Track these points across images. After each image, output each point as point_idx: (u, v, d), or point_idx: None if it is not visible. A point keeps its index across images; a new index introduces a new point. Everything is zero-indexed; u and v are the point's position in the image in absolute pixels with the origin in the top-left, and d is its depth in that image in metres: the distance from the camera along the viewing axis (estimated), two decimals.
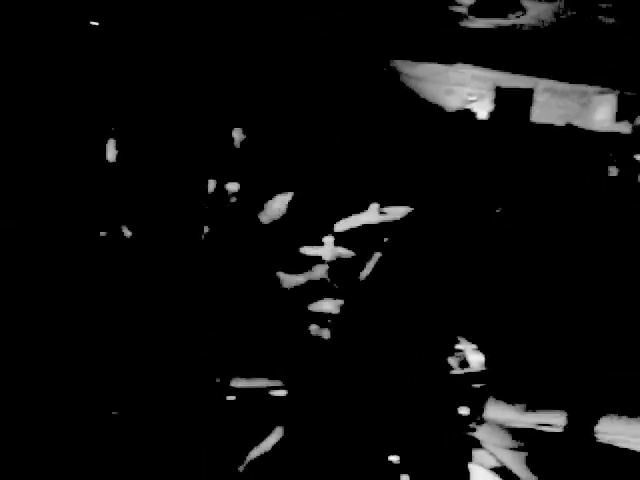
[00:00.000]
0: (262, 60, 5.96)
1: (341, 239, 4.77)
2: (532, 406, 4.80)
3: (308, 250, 4.61)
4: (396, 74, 6.70)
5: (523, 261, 5.83)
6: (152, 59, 5.88)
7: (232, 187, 4.68)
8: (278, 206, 4.36)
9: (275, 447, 3.63)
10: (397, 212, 4.71)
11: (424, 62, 6.83)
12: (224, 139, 5.12)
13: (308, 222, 4.91)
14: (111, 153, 4.90)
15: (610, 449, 4.24)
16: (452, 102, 6.92)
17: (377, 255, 4.25)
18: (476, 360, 4.22)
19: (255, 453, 3.62)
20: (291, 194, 4.37)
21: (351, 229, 4.83)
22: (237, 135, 5.01)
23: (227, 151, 4.96)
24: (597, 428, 4.29)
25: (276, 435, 3.67)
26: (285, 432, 3.68)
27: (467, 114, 6.78)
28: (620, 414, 4.48)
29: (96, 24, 5.46)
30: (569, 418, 4.22)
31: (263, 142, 5.08)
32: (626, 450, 4.28)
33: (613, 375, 4.11)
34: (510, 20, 5.99)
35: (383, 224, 4.68)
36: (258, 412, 3.95)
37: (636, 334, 4.59)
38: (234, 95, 5.67)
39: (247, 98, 5.56)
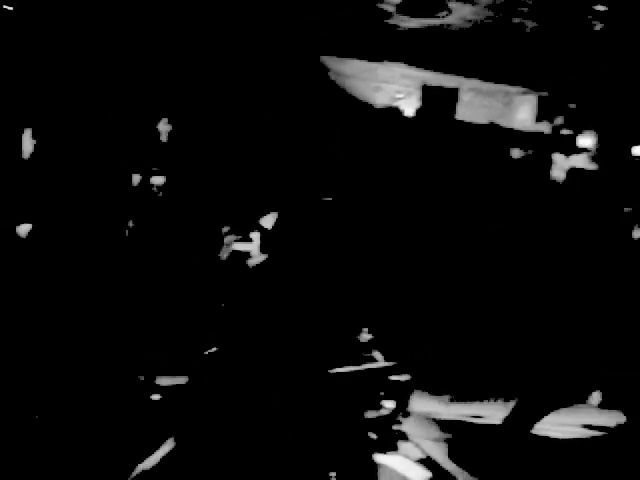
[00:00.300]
0: (188, 51, 5.89)
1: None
2: (457, 398, 4.94)
3: (239, 246, 4.59)
4: (325, 70, 6.74)
5: (438, 250, 5.98)
6: (74, 46, 5.74)
7: (157, 181, 4.61)
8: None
9: (165, 458, 3.61)
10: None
11: (353, 59, 6.89)
12: (150, 131, 5.05)
13: (230, 217, 4.89)
14: (27, 147, 4.74)
15: (534, 438, 4.40)
16: (380, 99, 7.01)
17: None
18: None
19: (146, 464, 3.60)
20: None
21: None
22: (163, 127, 4.94)
23: (153, 144, 4.89)
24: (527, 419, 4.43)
25: (167, 446, 3.65)
26: (177, 442, 3.67)
27: (394, 111, 6.88)
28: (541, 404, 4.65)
29: (10, 9, 5.28)
30: (512, 411, 4.32)
31: (190, 135, 5.03)
32: (547, 438, 4.45)
33: (537, 367, 4.26)
34: (437, 20, 6.10)
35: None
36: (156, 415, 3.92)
37: (557, 327, 4.78)
38: (159, 86, 5.59)
39: (173, 90, 5.49)
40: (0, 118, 4.75)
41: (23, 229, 4.43)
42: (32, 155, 4.67)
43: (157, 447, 3.74)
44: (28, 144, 4.68)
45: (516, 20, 6.15)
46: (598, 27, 6.31)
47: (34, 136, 4.74)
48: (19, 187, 4.59)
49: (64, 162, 4.81)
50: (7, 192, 4.51)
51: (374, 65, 6.96)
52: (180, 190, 4.85)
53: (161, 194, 4.75)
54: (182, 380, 4.16)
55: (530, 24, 6.22)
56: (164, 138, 5.05)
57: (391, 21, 6.48)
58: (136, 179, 4.81)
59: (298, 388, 3.98)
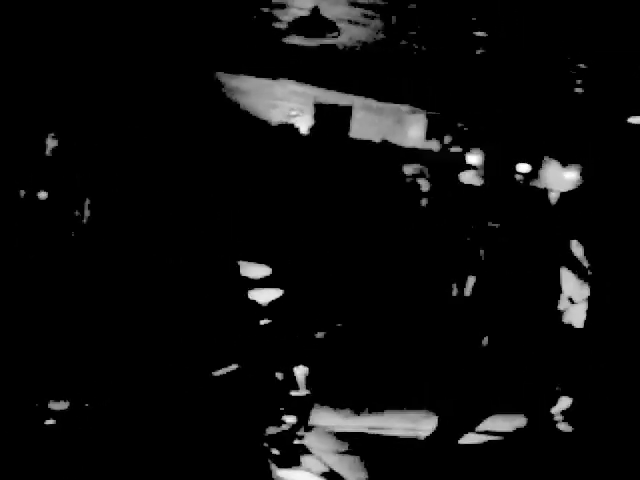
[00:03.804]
0: (80, 64, 5.74)
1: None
2: (357, 411, 5.00)
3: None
4: (220, 86, 6.73)
5: (335, 265, 6.09)
6: None
7: (42, 195, 4.45)
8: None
9: None
10: None
11: (248, 76, 6.91)
12: (35, 146, 4.87)
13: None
14: None
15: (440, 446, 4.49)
16: (275, 116, 7.06)
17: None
18: (300, 370, 4.34)
19: None
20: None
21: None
22: (50, 142, 4.77)
23: (38, 159, 4.72)
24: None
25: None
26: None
27: (290, 128, 6.95)
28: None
29: None
30: (438, 424, 4.38)
31: (77, 149, 4.89)
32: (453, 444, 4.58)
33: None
34: (328, 39, 6.22)
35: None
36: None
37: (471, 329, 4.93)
38: (46, 101, 5.42)
39: (61, 104, 5.33)
40: None
41: None
42: None
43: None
44: None
45: (404, 42, 6.37)
46: (480, 51, 6.64)
47: None
48: None
49: None
50: None
51: (269, 82, 7.01)
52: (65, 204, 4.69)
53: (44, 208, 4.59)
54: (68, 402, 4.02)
55: (418, 47, 6.45)
56: (49, 152, 4.89)
57: (285, 40, 6.56)
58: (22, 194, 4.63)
59: (186, 396, 3.92)
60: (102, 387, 3.99)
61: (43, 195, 4.67)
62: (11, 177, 4.69)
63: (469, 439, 4.57)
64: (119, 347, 4.09)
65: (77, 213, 4.65)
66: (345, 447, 4.55)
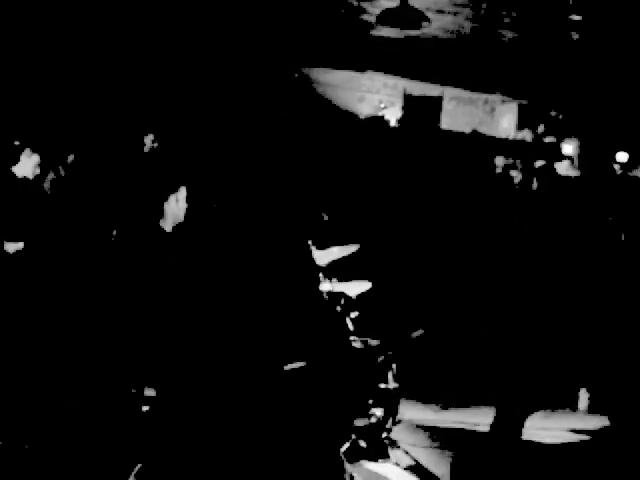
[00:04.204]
0: (175, 68, 5.92)
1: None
2: (447, 405, 4.96)
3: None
4: (309, 82, 6.79)
5: (427, 261, 6.02)
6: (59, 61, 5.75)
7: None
8: (175, 206, 4.24)
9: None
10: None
11: (336, 69, 6.95)
12: (135, 145, 5.06)
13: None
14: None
15: (521, 443, 4.42)
16: (364, 109, 7.07)
17: None
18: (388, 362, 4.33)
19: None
20: (184, 189, 4.25)
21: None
22: (148, 141, 4.95)
23: (137, 157, 4.90)
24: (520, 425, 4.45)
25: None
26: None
27: (379, 120, 6.94)
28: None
29: None
30: (496, 417, 4.33)
31: (175, 149, 5.05)
32: (534, 442, 4.49)
33: (525, 374, 4.29)
34: (417, 30, 6.17)
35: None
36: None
37: (543, 332, 4.81)
38: (146, 102, 5.62)
39: (159, 105, 5.52)
40: None
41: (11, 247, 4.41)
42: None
43: (145, 457, 3.74)
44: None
45: (495, 30, 6.23)
46: (575, 36, 6.41)
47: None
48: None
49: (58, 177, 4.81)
50: None
51: (357, 75, 7.03)
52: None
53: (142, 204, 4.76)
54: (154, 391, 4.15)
55: (509, 34, 6.31)
56: (147, 150, 5.06)
57: (373, 32, 6.55)
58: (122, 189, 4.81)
59: (274, 390, 3.99)
60: (179, 380, 4.12)
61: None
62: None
63: (553, 437, 4.47)
64: (202, 340, 4.21)
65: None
66: (433, 441, 4.52)
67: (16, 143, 4.20)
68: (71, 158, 4.65)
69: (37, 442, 3.72)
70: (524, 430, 4.34)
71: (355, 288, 4.69)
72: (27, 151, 4.13)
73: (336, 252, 4.72)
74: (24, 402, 3.91)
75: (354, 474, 4.04)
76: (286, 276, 4.32)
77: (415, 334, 4.64)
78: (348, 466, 4.08)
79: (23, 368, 4.09)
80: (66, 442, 3.73)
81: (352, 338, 4.55)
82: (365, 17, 6.35)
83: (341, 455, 4.14)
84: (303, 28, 6.38)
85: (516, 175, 6.98)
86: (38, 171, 4.34)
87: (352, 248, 4.76)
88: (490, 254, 6.16)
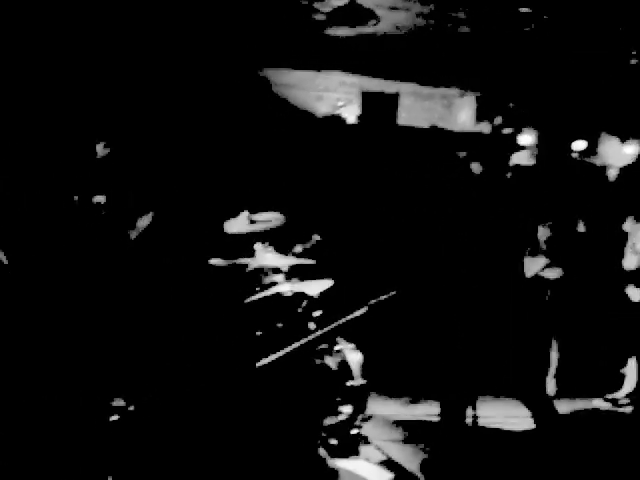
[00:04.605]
0: (126, 70, 5.84)
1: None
2: (416, 399, 4.96)
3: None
4: (265, 83, 6.76)
5: (387, 258, 6.03)
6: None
7: (99, 199, 4.54)
8: (146, 220, 4.26)
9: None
10: (266, 218, 4.72)
11: (292, 69, 6.93)
12: (86, 153, 4.98)
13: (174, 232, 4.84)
14: None
15: (486, 431, 4.43)
16: (322, 108, 7.06)
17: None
18: (354, 359, 4.31)
19: None
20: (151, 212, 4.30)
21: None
22: (100, 149, 4.88)
23: (90, 164, 4.82)
24: (473, 412, 4.46)
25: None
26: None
27: (336, 119, 6.93)
28: (490, 396, 4.70)
29: None
30: (444, 406, 4.34)
31: (127, 154, 4.98)
32: (499, 430, 4.50)
33: (481, 360, 4.29)
34: (368, 28, 6.18)
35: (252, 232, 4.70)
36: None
37: (497, 319, 4.82)
38: (96, 107, 5.53)
39: (110, 110, 5.44)
40: None
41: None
42: None
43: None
44: None
45: (448, 25, 6.26)
46: (527, 28, 6.47)
47: None
48: None
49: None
50: None
51: (314, 74, 7.01)
52: (123, 208, 4.79)
53: (103, 212, 4.68)
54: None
55: (463, 29, 6.34)
56: (101, 157, 4.98)
57: (327, 31, 6.55)
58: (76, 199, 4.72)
59: (239, 390, 3.94)
60: (151, 382, 4.05)
61: (100, 199, 4.76)
62: (65, 182, 4.80)
63: (519, 424, 4.50)
64: (166, 340, 4.15)
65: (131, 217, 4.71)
66: (403, 435, 4.52)
67: None
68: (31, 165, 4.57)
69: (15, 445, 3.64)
70: (491, 420, 4.35)
71: (316, 287, 4.66)
72: None
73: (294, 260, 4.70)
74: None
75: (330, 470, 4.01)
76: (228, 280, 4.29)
77: (386, 296, 4.59)
78: (325, 462, 4.05)
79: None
80: (38, 448, 3.66)
81: (316, 336, 4.51)
82: (317, 17, 6.34)
83: (318, 452, 4.10)
84: (256, 30, 6.35)
85: (476, 167, 7.01)
86: None
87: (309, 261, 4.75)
88: (450, 248, 6.17)
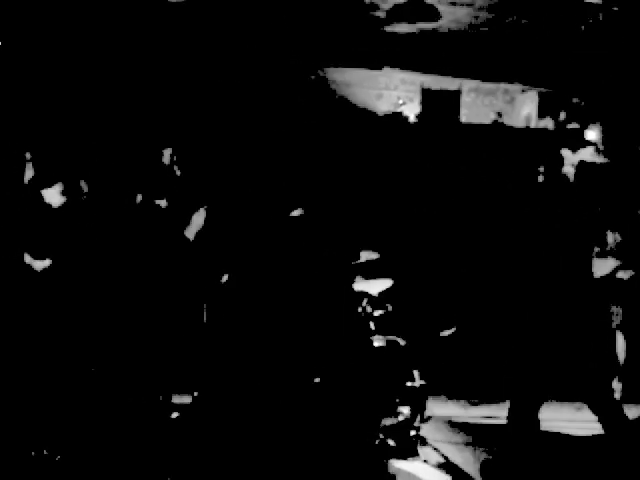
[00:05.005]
0: (189, 78, 5.95)
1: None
2: (475, 400, 4.91)
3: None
4: (326, 82, 6.78)
5: (452, 258, 5.97)
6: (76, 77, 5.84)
7: (161, 203, 4.67)
8: (200, 220, 4.36)
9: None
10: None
11: (352, 68, 6.93)
12: (153, 158, 5.11)
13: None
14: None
15: (547, 435, 4.36)
16: (382, 106, 7.03)
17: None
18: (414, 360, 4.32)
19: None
20: (204, 209, 4.38)
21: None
22: (167, 155, 5.00)
23: (156, 169, 4.95)
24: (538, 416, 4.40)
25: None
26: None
27: (398, 117, 6.89)
28: (551, 400, 4.61)
29: None
30: (511, 409, 4.30)
31: (192, 161, 5.09)
32: (559, 434, 4.42)
33: (543, 364, 4.21)
34: (431, 24, 6.13)
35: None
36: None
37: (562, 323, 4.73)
38: (164, 115, 5.66)
39: (177, 117, 5.56)
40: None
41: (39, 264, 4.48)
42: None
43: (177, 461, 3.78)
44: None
45: (510, 19, 6.16)
46: (592, 20, 6.31)
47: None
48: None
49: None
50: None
51: (374, 73, 6.99)
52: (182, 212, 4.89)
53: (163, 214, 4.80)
54: (190, 398, 4.19)
55: (525, 22, 6.22)
56: (167, 162, 5.10)
57: (387, 28, 6.52)
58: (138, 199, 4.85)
59: (304, 394, 3.99)
60: (213, 384, 4.14)
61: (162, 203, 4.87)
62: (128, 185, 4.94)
63: (584, 429, 4.40)
64: (231, 347, 4.23)
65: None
66: (462, 438, 4.49)
67: (28, 157, 4.27)
68: (90, 174, 4.72)
69: (65, 449, 3.78)
70: (552, 424, 4.28)
71: (377, 286, 4.67)
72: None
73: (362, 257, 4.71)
74: (51, 407, 3.98)
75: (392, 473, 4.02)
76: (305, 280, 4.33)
77: (446, 333, 4.60)
78: (384, 463, 4.06)
79: (53, 377, 4.16)
80: (93, 449, 3.79)
81: (376, 337, 4.53)
82: (377, 14, 6.33)
83: (375, 453, 4.12)
84: (316, 29, 6.37)
85: (540, 163, 6.87)
86: (59, 189, 4.42)
87: (374, 255, 4.74)
88: (516, 248, 6.08)
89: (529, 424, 4.12)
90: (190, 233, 4.32)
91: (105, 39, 5.98)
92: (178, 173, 4.75)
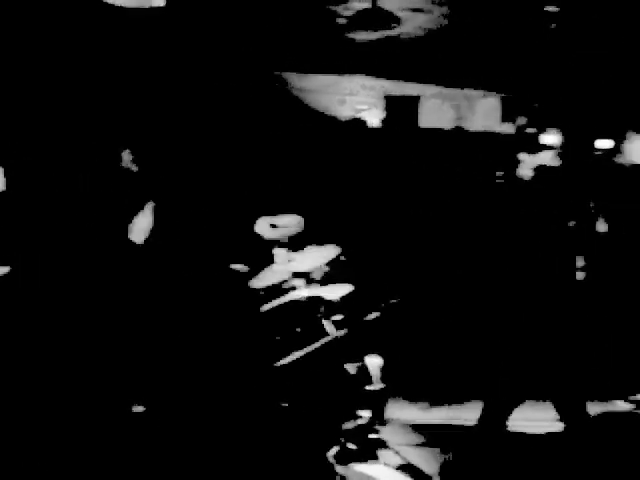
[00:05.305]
0: (146, 79, 5.92)
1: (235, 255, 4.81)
2: (435, 402, 4.96)
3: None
4: (285, 86, 6.80)
5: (419, 260, 6.03)
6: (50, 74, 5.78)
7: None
8: (145, 220, 4.32)
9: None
10: (286, 223, 4.77)
11: (314, 74, 6.95)
12: (112, 160, 5.08)
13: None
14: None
15: (520, 436, 4.41)
16: (344, 112, 7.07)
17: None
18: (373, 363, 4.34)
19: None
20: (151, 203, 4.34)
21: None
22: (126, 156, 4.98)
23: (115, 173, 4.92)
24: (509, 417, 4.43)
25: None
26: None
27: (359, 123, 6.94)
28: (526, 399, 4.66)
29: None
30: (483, 410, 4.32)
31: (151, 162, 5.06)
32: (523, 434, 4.47)
33: (516, 362, 4.25)
34: (392, 30, 6.18)
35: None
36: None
37: (534, 320, 4.79)
38: (120, 116, 5.62)
39: (134, 119, 5.52)
40: None
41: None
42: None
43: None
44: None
45: (469, 25, 6.24)
46: (552, 26, 6.41)
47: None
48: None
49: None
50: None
51: (336, 79, 7.03)
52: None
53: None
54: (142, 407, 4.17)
55: (484, 28, 6.30)
56: (126, 165, 5.07)
57: (349, 35, 6.57)
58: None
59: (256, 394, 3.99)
60: (170, 384, 4.12)
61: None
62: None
63: (542, 428, 4.45)
64: (186, 347, 4.22)
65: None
66: (422, 440, 4.53)
67: None
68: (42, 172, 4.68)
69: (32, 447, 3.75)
70: (511, 423, 4.33)
71: (336, 291, 4.69)
72: None
73: (315, 254, 4.72)
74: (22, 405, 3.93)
75: (345, 476, 4.04)
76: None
77: (372, 315, 4.60)
78: (339, 468, 4.08)
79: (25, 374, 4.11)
80: (59, 452, 3.76)
81: (335, 340, 4.55)
82: (339, 20, 6.37)
83: (330, 458, 4.14)
84: (277, 34, 6.39)
85: (499, 168, 6.97)
86: (1, 185, 4.37)
87: (332, 250, 4.76)
88: (478, 250, 6.15)
89: (499, 424, 4.16)
90: (137, 238, 4.29)
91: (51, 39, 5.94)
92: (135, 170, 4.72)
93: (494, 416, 4.05)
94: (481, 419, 4.06)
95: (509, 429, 4.17)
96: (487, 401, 4.10)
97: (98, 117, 5.38)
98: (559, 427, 4.39)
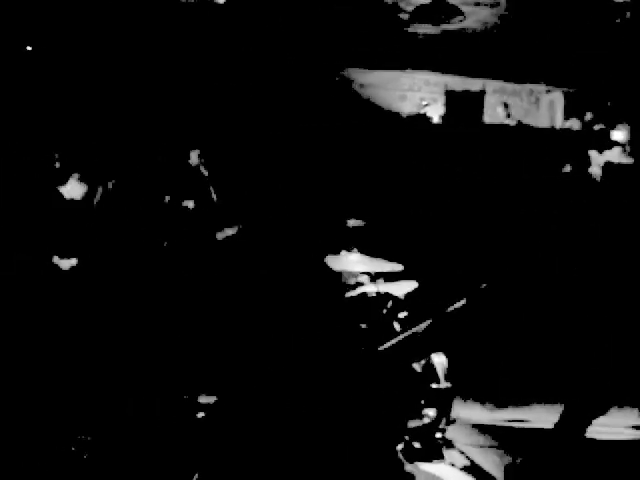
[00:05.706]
0: (216, 81, 5.97)
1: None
2: (501, 403, 4.86)
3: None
4: (349, 83, 6.78)
5: (478, 260, 5.92)
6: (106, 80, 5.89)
7: (188, 204, 4.70)
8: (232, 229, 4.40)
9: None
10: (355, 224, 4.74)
11: (376, 69, 6.92)
12: (181, 160, 5.14)
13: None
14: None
15: (590, 441, 4.29)
16: (406, 107, 7.02)
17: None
18: (440, 362, 4.27)
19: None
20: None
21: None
22: (194, 156, 5.03)
23: (184, 170, 4.98)
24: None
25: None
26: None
27: (421, 118, 6.87)
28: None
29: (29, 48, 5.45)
30: (563, 414, 4.21)
31: (220, 162, 5.11)
32: (594, 440, 4.35)
33: (591, 370, 4.14)
34: (453, 25, 6.11)
35: None
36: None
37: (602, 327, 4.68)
38: (192, 117, 5.69)
39: (204, 119, 5.58)
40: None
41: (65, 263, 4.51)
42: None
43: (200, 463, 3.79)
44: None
45: (534, 18, 6.11)
46: (619, 20, 6.24)
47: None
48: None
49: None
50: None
51: (398, 74, 6.98)
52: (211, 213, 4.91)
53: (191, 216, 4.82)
54: (215, 397, 4.20)
55: (550, 21, 6.17)
56: (194, 164, 5.12)
57: (410, 29, 6.51)
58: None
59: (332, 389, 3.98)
60: (237, 386, 4.15)
61: (189, 204, 4.90)
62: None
63: (614, 434, 4.32)
64: (258, 346, 4.24)
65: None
66: (489, 441, 4.44)
67: (57, 160, 4.31)
68: (117, 175, 4.76)
69: (94, 447, 3.80)
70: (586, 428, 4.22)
71: (402, 288, 4.64)
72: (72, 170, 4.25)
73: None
74: (79, 406, 4.01)
75: (413, 474, 4.01)
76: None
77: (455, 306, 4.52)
78: (408, 467, 4.05)
79: (80, 376, 4.19)
80: (122, 448, 3.81)
81: (402, 338, 4.50)
82: (401, 15, 6.32)
83: (399, 455, 4.10)
84: (339, 30, 6.38)
85: (566, 165, 6.82)
86: (85, 189, 4.46)
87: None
88: (547, 247, 6.02)
89: (579, 430, 4.04)
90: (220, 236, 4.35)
91: (132, 42, 6.03)
92: (206, 174, 4.77)
93: (576, 421, 3.93)
94: (560, 423, 3.95)
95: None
96: (569, 405, 3.98)
97: (172, 117, 5.46)
98: (631, 435, 4.28)
